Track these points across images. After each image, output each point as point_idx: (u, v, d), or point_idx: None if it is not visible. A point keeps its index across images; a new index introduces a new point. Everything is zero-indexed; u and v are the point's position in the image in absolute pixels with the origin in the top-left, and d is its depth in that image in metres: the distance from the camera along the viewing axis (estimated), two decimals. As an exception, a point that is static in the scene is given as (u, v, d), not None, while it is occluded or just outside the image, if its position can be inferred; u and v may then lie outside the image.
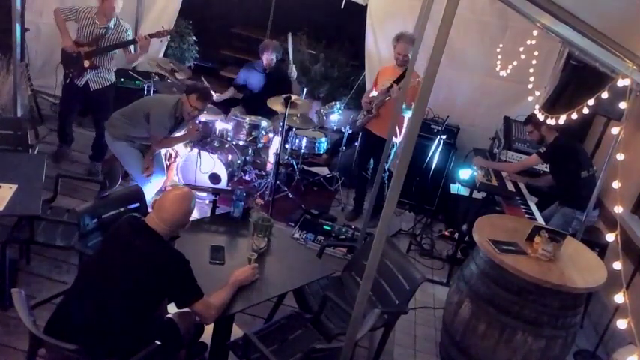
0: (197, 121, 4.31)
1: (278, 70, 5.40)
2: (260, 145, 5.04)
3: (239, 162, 5.00)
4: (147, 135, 4.07)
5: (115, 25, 4.41)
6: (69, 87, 4.55)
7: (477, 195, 4.50)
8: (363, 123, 4.81)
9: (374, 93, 4.76)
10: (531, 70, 4.71)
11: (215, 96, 4.84)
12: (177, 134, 4.26)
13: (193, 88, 4.02)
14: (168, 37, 4.84)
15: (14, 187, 2.96)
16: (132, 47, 4.54)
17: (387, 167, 4.44)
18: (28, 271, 3.44)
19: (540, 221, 4.03)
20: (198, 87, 4.07)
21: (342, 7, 5.27)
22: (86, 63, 4.41)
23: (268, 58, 5.20)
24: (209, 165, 4.69)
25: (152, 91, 5.02)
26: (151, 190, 4.11)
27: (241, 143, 4.95)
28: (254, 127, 4.91)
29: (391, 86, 4.43)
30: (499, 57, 5.01)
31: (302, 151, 5.21)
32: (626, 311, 1.86)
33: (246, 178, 5.23)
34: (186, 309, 2.42)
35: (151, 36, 4.47)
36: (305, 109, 5.24)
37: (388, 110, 4.46)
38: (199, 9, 6.46)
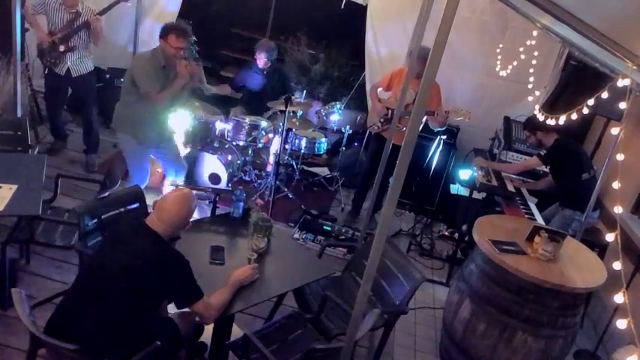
0: (183, 59, 3.83)
1: (277, 70, 5.39)
2: (260, 145, 5.04)
3: (239, 162, 5.01)
4: (142, 101, 3.75)
5: (83, 9, 4.47)
6: (50, 78, 4.64)
7: (477, 195, 4.50)
8: (380, 130, 4.71)
9: (384, 94, 4.73)
10: (531, 70, 4.71)
11: (214, 89, 4.84)
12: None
13: (168, 29, 3.67)
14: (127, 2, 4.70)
15: (14, 187, 2.95)
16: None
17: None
18: (28, 271, 3.44)
19: (540, 221, 4.03)
20: (171, 25, 3.72)
21: (342, 7, 5.27)
22: (62, 47, 4.46)
23: (261, 58, 5.18)
24: (209, 165, 4.69)
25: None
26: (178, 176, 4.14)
27: (241, 143, 4.94)
28: (254, 127, 4.91)
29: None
30: (499, 57, 5.01)
31: (302, 151, 5.21)
32: (626, 311, 1.86)
33: (246, 178, 5.23)
34: (186, 309, 2.42)
35: (100, 13, 4.49)
36: (307, 109, 5.24)
37: (408, 122, 4.37)
38: (199, 9, 6.47)
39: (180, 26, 3.71)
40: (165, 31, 3.67)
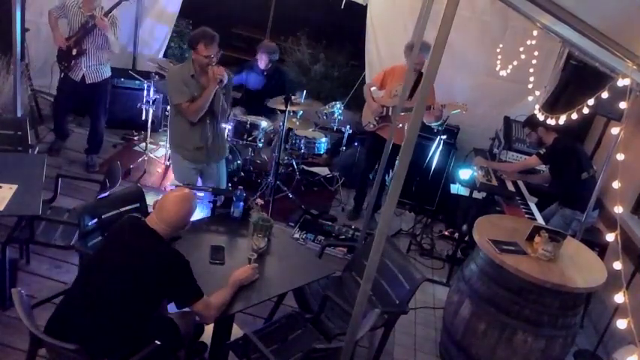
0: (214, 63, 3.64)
1: (277, 70, 5.40)
2: (260, 145, 5.04)
3: (239, 162, 5.01)
4: (179, 114, 3.66)
5: (98, 12, 4.43)
6: (64, 81, 4.64)
7: (477, 195, 4.50)
8: (376, 129, 4.72)
9: (378, 92, 4.72)
10: (531, 70, 4.71)
11: None
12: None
13: (195, 39, 3.54)
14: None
15: (14, 187, 2.96)
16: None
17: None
18: (28, 271, 3.44)
19: (540, 221, 4.03)
20: (198, 34, 3.57)
21: (342, 7, 5.27)
22: (74, 51, 4.48)
23: (262, 59, 5.18)
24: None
25: (152, 91, 5.02)
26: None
27: (241, 143, 4.95)
28: (254, 127, 4.91)
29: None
30: (499, 57, 5.01)
31: (302, 151, 5.21)
32: (626, 311, 1.86)
33: (246, 178, 5.23)
34: (187, 309, 2.42)
35: (105, 14, 4.45)
36: (307, 109, 5.24)
37: (405, 119, 4.38)
38: (199, 9, 6.47)
39: (207, 33, 3.58)
40: (194, 42, 3.56)
